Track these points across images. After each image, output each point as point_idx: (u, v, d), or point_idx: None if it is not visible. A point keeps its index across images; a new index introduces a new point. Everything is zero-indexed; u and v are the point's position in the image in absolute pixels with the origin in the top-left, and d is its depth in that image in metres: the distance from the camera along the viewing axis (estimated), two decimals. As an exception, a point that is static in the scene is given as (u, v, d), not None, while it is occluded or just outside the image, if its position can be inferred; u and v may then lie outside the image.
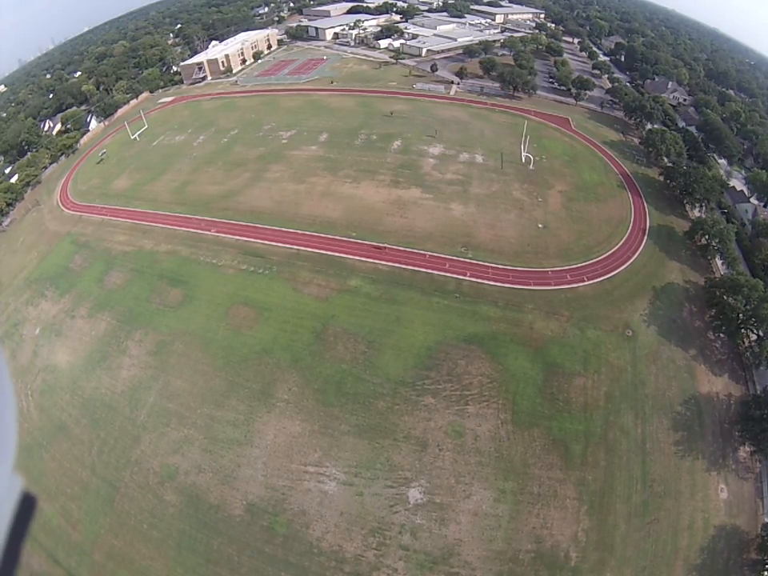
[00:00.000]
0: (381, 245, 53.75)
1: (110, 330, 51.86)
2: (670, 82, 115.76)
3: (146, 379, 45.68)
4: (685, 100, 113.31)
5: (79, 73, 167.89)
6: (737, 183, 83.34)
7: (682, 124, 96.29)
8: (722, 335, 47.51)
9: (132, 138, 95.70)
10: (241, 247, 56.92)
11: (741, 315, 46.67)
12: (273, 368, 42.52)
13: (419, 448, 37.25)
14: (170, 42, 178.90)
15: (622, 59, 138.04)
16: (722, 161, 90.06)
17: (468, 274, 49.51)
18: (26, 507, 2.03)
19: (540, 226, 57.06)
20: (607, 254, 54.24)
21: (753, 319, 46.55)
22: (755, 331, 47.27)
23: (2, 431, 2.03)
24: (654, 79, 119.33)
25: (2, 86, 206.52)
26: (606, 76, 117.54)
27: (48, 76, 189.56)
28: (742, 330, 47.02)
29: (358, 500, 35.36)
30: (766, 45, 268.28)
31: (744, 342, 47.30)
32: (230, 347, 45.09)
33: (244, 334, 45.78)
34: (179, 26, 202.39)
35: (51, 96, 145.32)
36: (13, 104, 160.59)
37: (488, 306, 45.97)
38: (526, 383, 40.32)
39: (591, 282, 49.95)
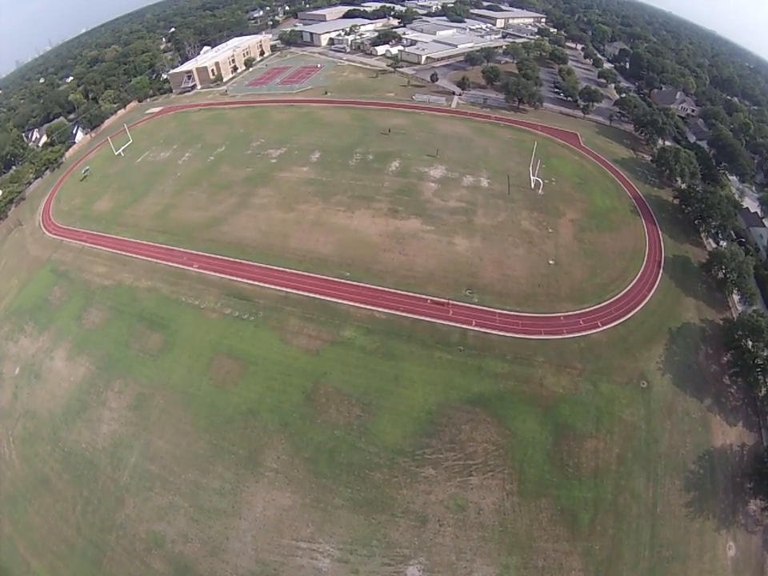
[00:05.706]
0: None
1: (88, 376, 48.92)
2: (678, 92, 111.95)
3: (126, 437, 42.94)
4: (693, 111, 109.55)
5: (71, 78, 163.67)
6: (749, 203, 79.85)
7: (692, 138, 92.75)
8: (738, 379, 44.61)
9: (116, 153, 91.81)
10: (225, 287, 53.13)
11: (759, 360, 43.66)
12: (260, 432, 39.21)
13: (418, 523, 34.32)
14: (161, 46, 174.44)
15: (627, 66, 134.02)
16: (733, 177, 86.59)
17: (474, 323, 45.59)
18: None
19: (551, 262, 53.17)
20: (622, 293, 50.76)
21: (772, 366, 43.59)
22: (774, 378, 44.25)
23: None
24: (660, 88, 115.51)
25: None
26: (613, 85, 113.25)
27: (41, 80, 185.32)
28: (760, 377, 44.05)
29: (354, 578, 32.42)
30: (764, 46, 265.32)
31: (762, 390, 44.37)
32: (214, 405, 41.80)
33: (228, 391, 42.37)
34: (172, 29, 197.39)
35: (40, 103, 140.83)
36: (4, 110, 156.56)
37: (495, 360, 42.31)
38: (534, 449, 37.14)
39: (605, 327, 46.49)
